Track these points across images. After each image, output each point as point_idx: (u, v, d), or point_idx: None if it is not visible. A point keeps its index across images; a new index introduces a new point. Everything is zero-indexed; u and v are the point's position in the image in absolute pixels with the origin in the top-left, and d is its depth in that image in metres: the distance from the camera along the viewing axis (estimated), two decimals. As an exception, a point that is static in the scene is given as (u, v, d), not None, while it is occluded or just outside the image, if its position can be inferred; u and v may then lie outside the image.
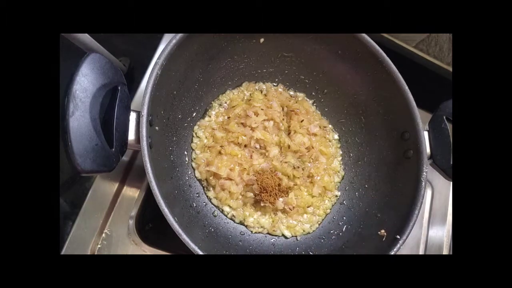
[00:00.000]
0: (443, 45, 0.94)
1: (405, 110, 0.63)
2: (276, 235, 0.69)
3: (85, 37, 0.64)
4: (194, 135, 0.70)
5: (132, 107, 0.52)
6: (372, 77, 0.67)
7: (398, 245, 0.56)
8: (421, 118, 0.62)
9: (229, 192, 0.67)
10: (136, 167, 0.73)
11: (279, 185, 0.67)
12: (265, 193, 0.66)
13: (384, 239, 0.61)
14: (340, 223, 0.71)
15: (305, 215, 0.71)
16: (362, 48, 0.64)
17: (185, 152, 0.69)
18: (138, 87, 0.76)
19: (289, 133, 0.73)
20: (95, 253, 0.67)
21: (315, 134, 0.73)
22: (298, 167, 0.70)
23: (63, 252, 0.65)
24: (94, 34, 0.66)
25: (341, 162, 0.77)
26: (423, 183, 0.59)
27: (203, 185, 0.69)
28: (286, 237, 0.69)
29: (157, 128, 0.57)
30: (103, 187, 0.70)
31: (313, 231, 0.71)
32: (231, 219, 0.68)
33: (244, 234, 0.68)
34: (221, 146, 0.68)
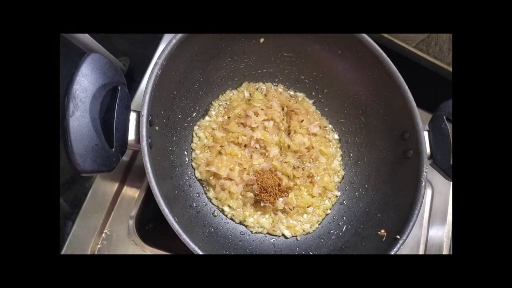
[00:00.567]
0: (443, 45, 0.94)
1: (405, 110, 0.63)
2: (276, 235, 0.69)
3: (85, 37, 0.64)
4: (194, 135, 0.70)
5: (132, 107, 0.52)
6: (372, 77, 0.67)
7: (398, 245, 0.56)
8: (421, 118, 0.62)
9: (229, 192, 0.67)
10: (136, 167, 0.73)
11: (279, 185, 0.67)
12: (265, 193, 0.66)
13: (384, 239, 0.61)
14: (340, 223, 0.71)
15: (305, 215, 0.71)
16: (362, 48, 0.64)
17: (185, 152, 0.69)
18: (138, 87, 0.76)
19: (289, 133, 0.73)
20: (95, 253, 0.67)
21: (315, 134, 0.73)
22: (298, 167, 0.70)
23: (63, 252, 0.65)
24: (94, 34, 0.66)
25: (341, 162, 0.77)
26: (423, 183, 0.59)
27: (203, 185, 0.69)
28: (286, 237, 0.69)
29: (157, 128, 0.57)
30: (103, 187, 0.70)
31: (313, 231, 0.71)
32: (231, 219, 0.68)
33: (244, 234, 0.68)
34: (221, 146, 0.68)
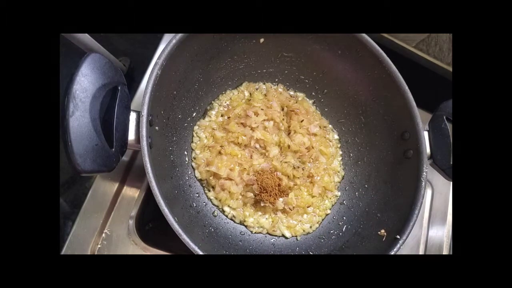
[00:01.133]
0: (443, 45, 0.94)
1: (405, 110, 0.63)
2: (276, 235, 0.69)
3: (85, 37, 0.64)
4: (194, 135, 0.70)
5: (132, 107, 0.52)
6: (372, 77, 0.67)
7: (398, 245, 0.56)
8: (421, 118, 0.62)
9: (229, 192, 0.67)
10: (136, 167, 0.73)
11: (279, 185, 0.67)
12: (265, 193, 0.66)
13: (384, 239, 0.61)
14: (340, 223, 0.71)
15: (305, 215, 0.71)
16: (362, 48, 0.64)
17: (185, 152, 0.69)
18: (138, 87, 0.76)
19: (289, 133, 0.73)
20: (95, 253, 0.67)
21: (315, 134, 0.73)
22: (298, 167, 0.70)
23: (63, 252, 0.65)
24: (94, 34, 0.66)
25: (341, 162, 0.77)
26: (423, 183, 0.59)
27: (203, 185, 0.69)
28: (286, 237, 0.69)
29: (157, 128, 0.57)
30: (103, 187, 0.70)
31: (313, 231, 0.71)
32: (231, 219, 0.68)
33: (244, 234, 0.68)
34: (221, 146, 0.68)
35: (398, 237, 0.57)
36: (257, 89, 0.76)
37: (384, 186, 0.69)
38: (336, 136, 0.78)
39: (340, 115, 0.77)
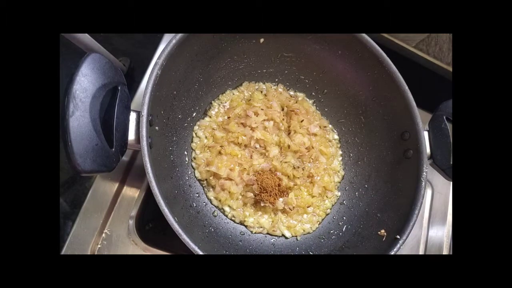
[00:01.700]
0: (443, 45, 0.94)
1: (405, 110, 0.63)
2: (276, 235, 0.69)
3: (85, 37, 0.64)
4: (194, 135, 0.70)
5: (132, 107, 0.52)
6: (372, 77, 0.67)
7: (398, 245, 0.56)
8: (421, 118, 0.62)
9: (229, 192, 0.67)
10: (136, 167, 0.73)
11: (279, 185, 0.67)
12: (265, 193, 0.66)
13: (384, 239, 0.61)
14: (340, 223, 0.71)
15: (305, 215, 0.71)
16: (362, 48, 0.64)
17: (185, 152, 0.69)
18: (138, 87, 0.76)
19: (289, 133, 0.73)
20: (95, 253, 0.67)
21: (315, 134, 0.73)
22: (298, 167, 0.70)
23: (63, 252, 0.65)
24: (94, 34, 0.66)
25: (341, 162, 0.77)
26: (423, 183, 0.59)
27: (203, 185, 0.69)
28: (286, 237, 0.69)
29: (157, 128, 0.57)
30: (103, 187, 0.70)
31: (313, 231, 0.71)
32: (231, 219, 0.68)
33: (244, 234, 0.68)
34: (221, 146, 0.68)
35: (398, 237, 0.57)
36: (257, 89, 0.76)
37: (384, 186, 0.69)
38: (336, 136, 0.78)
39: (340, 115, 0.77)
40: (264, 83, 0.77)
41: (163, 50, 0.52)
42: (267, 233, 0.69)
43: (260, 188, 0.66)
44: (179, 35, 0.54)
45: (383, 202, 0.67)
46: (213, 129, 0.70)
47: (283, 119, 0.72)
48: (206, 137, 0.70)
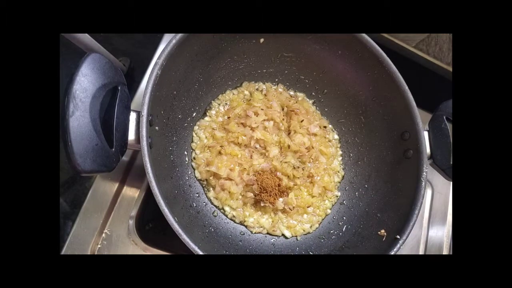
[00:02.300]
0: (443, 45, 0.94)
1: (405, 110, 0.63)
2: (276, 235, 0.69)
3: (85, 37, 0.64)
4: (194, 135, 0.70)
5: (132, 107, 0.52)
6: (372, 77, 0.67)
7: (398, 245, 0.56)
8: (421, 118, 0.62)
9: (229, 192, 0.67)
10: (136, 167, 0.73)
11: (279, 185, 0.67)
12: (265, 193, 0.66)
13: (384, 239, 0.61)
14: (340, 223, 0.71)
15: (305, 215, 0.71)
16: (362, 48, 0.64)
17: (185, 152, 0.69)
18: (138, 87, 0.76)
19: (289, 133, 0.73)
20: (95, 253, 0.67)
21: (315, 134, 0.73)
22: (298, 167, 0.70)
23: (63, 252, 0.65)
24: (94, 34, 0.66)
25: (341, 162, 0.77)
26: (423, 183, 0.59)
27: (203, 185, 0.69)
28: (286, 237, 0.69)
29: (157, 128, 0.57)
30: (103, 187, 0.70)
31: (313, 231, 0.71)
32: (231, 219, 0.68)
33: (244, 234, 0.68)
34: (221, 146, 0.68)
35: (398, 237, 0.57)
36: (257, 89, 0.76)
37: (384, 186, 0.69)
38: (336, 136, 0.78)
39: (340, 115, 0.77)
40: (264, 83, 0.77)
41: (163, 50, 0.52)
42: (267, 233, 0.69)
43: (260, 188, 0.66)
44: (179, 35, 0.54)
45: (383, 202, 0.67)
46: (213, 129, 0.70)
47: (283, 119, 0.72)
48: (206, 137, 0.70)
